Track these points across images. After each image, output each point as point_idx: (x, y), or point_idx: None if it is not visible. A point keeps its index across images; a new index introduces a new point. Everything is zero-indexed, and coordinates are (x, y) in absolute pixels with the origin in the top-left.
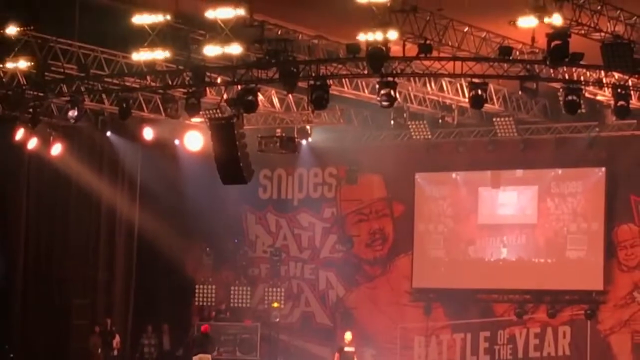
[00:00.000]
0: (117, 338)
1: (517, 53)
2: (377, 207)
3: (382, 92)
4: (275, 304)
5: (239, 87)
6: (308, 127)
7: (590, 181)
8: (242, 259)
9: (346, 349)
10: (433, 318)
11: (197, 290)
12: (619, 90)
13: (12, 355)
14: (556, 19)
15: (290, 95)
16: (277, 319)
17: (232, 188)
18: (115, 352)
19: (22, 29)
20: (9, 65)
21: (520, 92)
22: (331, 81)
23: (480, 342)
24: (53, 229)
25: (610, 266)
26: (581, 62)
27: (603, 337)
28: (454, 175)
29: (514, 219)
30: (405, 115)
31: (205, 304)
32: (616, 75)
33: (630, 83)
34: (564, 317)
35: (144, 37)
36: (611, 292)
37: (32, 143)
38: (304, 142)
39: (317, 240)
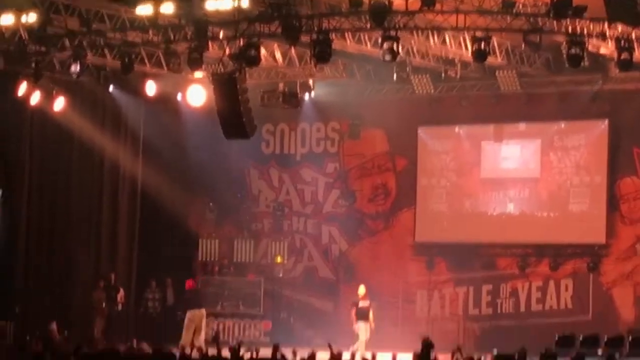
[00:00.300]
0: (122, 292)
1: (520, 6)
2: (379, 161)
3: (385, 46)
4: (279, 259)
5: (242, 41)
6: (310, 81)
7: (593, 134)
8: (245, 214)
9: (361, 303)
10: (435, 272)
11: (200, 245)
12: (622, 42)
13: (16, 310)
14: None
15: (292, 49)
16: (280, 274)
17: (234, 143)
18: (120, 307)
19: None
20: (11, 19)
21: (523, 46)
22: (333, 35)
23: (482, 296)
24: (56, 184)
25: (613, 219)
26: (584, 15)
27: (605, 290)
28: (456, 129)
29: (517, 172)
30: (408, 69)
31: (208, 258)
32: (620, 27)
33: (633, 35)
34: (567, 270)
35: None
36: (614, 245)
37: (35, 98)
38: (306, 96)
39: (320, 195)
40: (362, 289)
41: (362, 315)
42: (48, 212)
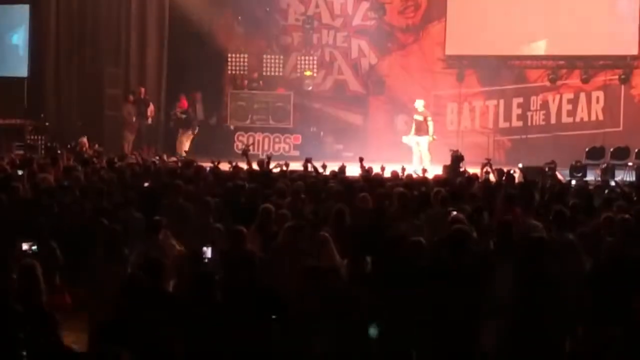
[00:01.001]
0: (151, 107)
1: None
2: None
3: None
4: (308, 72)
5: None
6: None
7: None
8: (274, 28)
9: (416, 117)
10: (466, 85)
11: (229, 59)
12: None
13: (47, 124)
14: None
15: None
16: (310, 87)
17: None
18: (150, 121)
19: None
20: None
21: None
22: None
23: (513, 109)
24: (84, 2)
25: None
26: None
27: (637, 102)
28: None
29: None
30: None
31: (237, 72)
32: None
33: None
34: (598, 82)
35: None
36: None
37: None
38: None
39: (350, 8)
40: (417, 103)
41: (419, 129)
42: (77, 27)
